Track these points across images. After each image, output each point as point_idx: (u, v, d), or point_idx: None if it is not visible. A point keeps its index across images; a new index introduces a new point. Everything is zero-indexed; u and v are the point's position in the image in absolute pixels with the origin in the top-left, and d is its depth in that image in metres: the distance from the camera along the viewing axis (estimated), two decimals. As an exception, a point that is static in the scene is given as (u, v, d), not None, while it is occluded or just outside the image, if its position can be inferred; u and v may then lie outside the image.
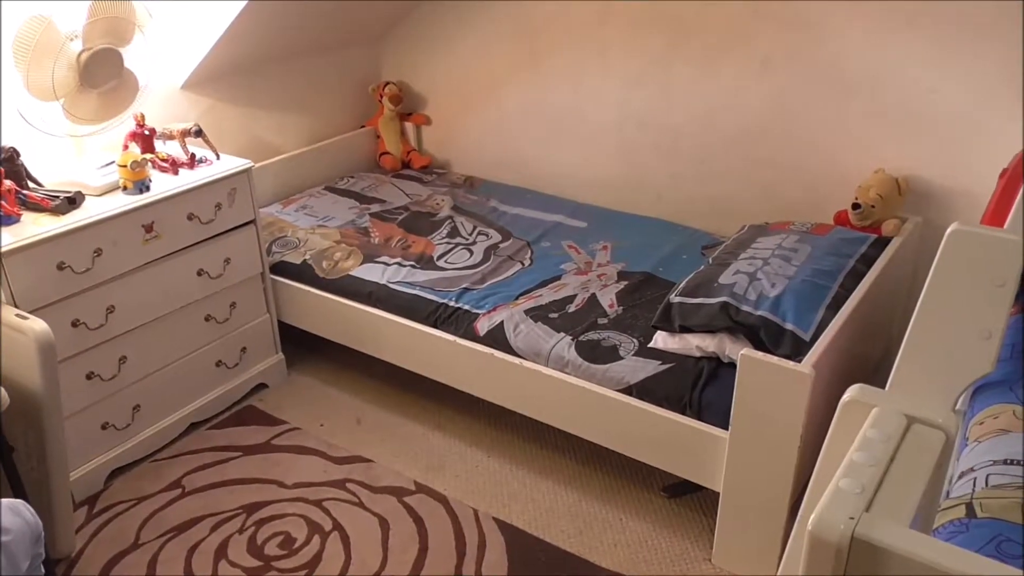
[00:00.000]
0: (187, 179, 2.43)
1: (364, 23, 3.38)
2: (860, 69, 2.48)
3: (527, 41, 3.15)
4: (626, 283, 2.53)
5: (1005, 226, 1.11)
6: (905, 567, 0.60)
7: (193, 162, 2.52)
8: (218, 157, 2.59)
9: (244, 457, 2.51)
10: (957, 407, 1.16)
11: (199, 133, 2.54)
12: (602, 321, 2.33)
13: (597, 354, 2.19)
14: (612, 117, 3.04)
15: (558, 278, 2.59)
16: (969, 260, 1.07)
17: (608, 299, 2.44)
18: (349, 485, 2.39)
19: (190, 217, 2.42)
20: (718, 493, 2.01)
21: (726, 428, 1.94)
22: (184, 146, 2.54)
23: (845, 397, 0.74)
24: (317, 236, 2.88)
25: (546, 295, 2.48)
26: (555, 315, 2.36)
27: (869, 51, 2.45)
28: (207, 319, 2.58)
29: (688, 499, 2.32)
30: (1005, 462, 0.94)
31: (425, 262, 2.71)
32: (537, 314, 2.36)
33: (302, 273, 2.74)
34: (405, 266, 2.67)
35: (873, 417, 0.69)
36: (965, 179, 2.38)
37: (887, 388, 1.16)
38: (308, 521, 2.26)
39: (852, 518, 0.60)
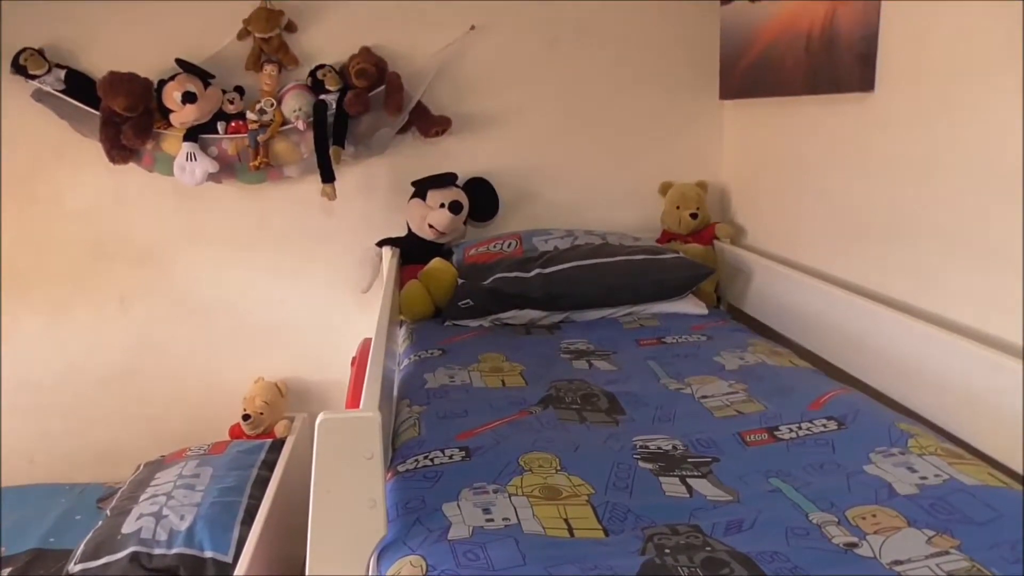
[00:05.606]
0: None
1: None
2: (215, 294, 2.66)
3: None
4: (9, 570, 2.13)
5: (360, 406, 1.28)
6: None
7: None
8: None
9: None
10: (371, 573, 1.27)
11: None
12: (-14, 627, 1.92)
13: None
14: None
15: (-88, 594, 2.06)
16: (340, 441, 1.20)
17: (-11, 597, 2.03)
18: None
19: None
20: None
21: None
22: None
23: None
24: None
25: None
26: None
27: (218, 277, 2.65)
28: None
29: None
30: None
31: None
32: None
33: None
34: None
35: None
36: (330, 372, 2.67)
37: (308, 579, 1.21)
38: None
39: None
